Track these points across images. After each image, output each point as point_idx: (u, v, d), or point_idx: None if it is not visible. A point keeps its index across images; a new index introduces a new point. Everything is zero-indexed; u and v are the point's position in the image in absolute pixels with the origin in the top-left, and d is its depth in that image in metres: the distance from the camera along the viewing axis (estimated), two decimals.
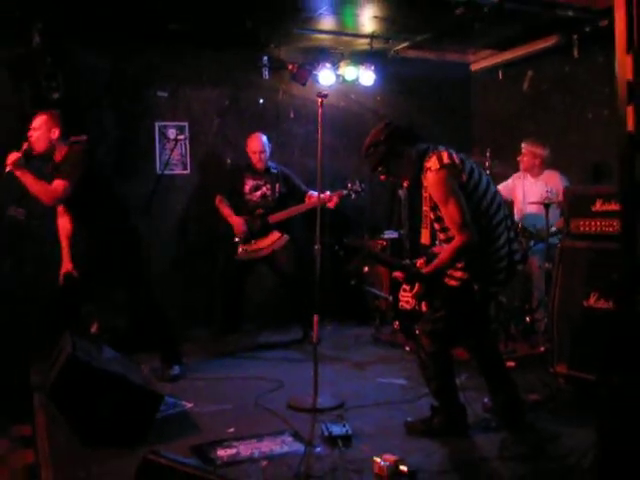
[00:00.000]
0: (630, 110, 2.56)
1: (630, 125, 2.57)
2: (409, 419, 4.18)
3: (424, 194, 3.94)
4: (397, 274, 4.01)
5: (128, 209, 5.23)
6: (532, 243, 5.90)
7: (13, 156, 4.64)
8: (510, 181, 6.46)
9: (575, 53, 6.58)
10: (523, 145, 6.30)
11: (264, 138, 6.32)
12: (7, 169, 4.60)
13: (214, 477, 2.62)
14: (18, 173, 4.62)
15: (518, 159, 6.32)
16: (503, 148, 6.85)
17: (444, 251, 3.84)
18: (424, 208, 3.98)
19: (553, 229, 5.74)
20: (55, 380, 3.96)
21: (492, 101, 7.90)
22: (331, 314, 6.95)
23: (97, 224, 4.97)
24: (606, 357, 3.18)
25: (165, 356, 5.32)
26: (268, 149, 6.32)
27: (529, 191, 6.22)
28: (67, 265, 5.09)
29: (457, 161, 3.83)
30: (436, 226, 3.95)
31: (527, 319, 5.87)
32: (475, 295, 3.85)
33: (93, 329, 5.81)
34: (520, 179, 6.37)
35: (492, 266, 3.87)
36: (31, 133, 4.83)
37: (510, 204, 6.33)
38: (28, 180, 4.64)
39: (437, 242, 4.10)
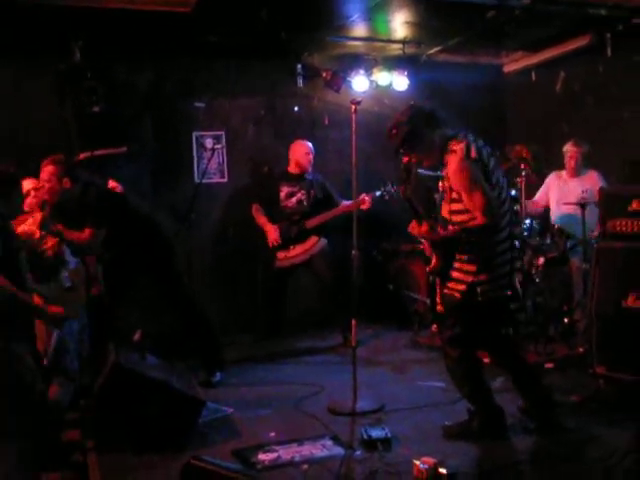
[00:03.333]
0: None
1: None
2: (447, 423, 4.22)
3: (445, 171, 3.94)
4: (421, 229, 3.97)
5: (158, 221, 5.42)
6: (570, 244, 5.88)
7: (37, 218, 4.66)
8: (544, 186, 6.44)
9: (608, 52, 6.52)
10: (569, 146, 6.24)
11: (309, 142, 6.53)
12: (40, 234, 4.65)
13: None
14: (50, 235, 4.67)
15: (565, 160, 6.27)
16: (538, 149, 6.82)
17: (467, 225, 3.85)
18: (445, 184, 3.99)
19: (594, 233, 5.69)
20: (101, 387, 4.08)
21: (526, 103, 7.86)
22: (371, 318, 7.00)
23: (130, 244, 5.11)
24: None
25: (207, 363, 5.40)
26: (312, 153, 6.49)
27: (566, 191, 6.19)
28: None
29: (484, 156, 3.86)
30: (453, 206, 3.94)
31: (566, 320, 5.85)
32: (478, 297, 3.86)
33: (136, 337, 5.92)
34: (555, 180, 6.35)
35: (496, 270, 3.89)
36: (43, 184, 4.81)
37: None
38: (61, 236, 4.72)
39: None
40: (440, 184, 4.12)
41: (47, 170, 4.81)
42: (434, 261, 4.00)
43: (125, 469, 3.81)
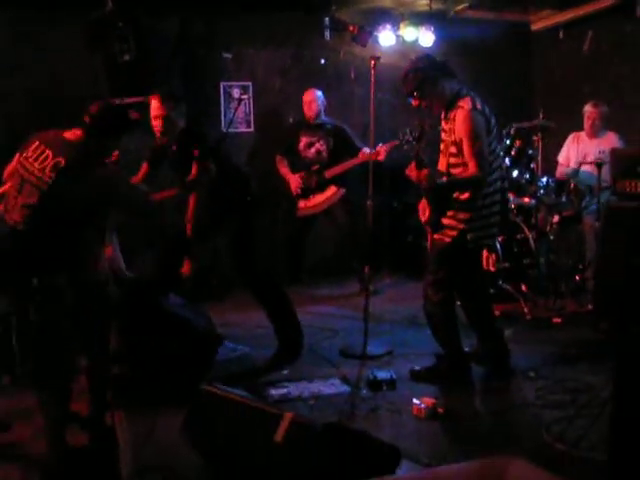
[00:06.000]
0: None
1: None
2: (416, 367, 4.44)
3: (450, 126, 4.15)
4: (420, 173, 4.09)
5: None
6: (585, 203, 5.97)
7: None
8: (564, 147, 6.51)
9: (638, 12, 6.51)
10: (589, 107, 6.25)
11: (317, 91, 6.63)
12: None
13: (263, 405, 2.92)
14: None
15: (585, 121, 6.28)
16: (564, 109, 6.88)
17: (460, 175, 4.10)
18: (445, 139, 4.22)
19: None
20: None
21: (552, 62, 7.87)
22: (390, 268, 7.22)
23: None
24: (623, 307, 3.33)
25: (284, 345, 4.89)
26: (320, 102, 6.59)
27: (584, 151, 6.25)
28: None
29: (486, 111, 4.10)
30: (451, 160, 4.17)
31: (577, 277, 5.99)
32: (468, 244, 4.12)
33: None
34: (574, 140, 6.41)
35: (487, 219, 4.15)
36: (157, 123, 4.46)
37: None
38: None
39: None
40: (442, 136, 4.28)
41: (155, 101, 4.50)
42: (427, 212, 4.21)
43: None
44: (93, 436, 3.61)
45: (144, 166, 4.82)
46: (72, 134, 3.56)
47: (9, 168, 3.73)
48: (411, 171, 4.13)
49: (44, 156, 3.46)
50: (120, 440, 3.46)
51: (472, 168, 3.99)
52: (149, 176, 4.81)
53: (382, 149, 6.22)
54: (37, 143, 3.52)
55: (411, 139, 6.30)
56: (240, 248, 4.78)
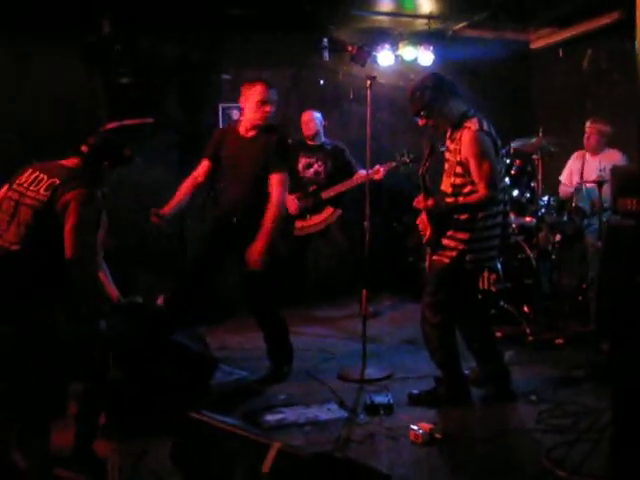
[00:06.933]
0: None
1: None
2: (414, 391, 4.37)
3: (455, 146, 4.10)
4: (427, 202, 4.09)
5: None
6: (586, 222, 5.92)
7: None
8: (567, 166, 6.46)
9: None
10: (588, 124, 6.25)
11: (315, 112, 6.62)
12: None
13: (251, 434, 2.86)
14: None
15: (584, 138, 6.27)
16: (565, 127, 6.84)
17: (469, 199, 4.02)
18: (450, 159, 4.16)
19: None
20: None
21: (553, 80, 7.84)
22: (389, 290, 7.15)
23: None
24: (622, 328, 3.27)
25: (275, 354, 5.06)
26: (319, 122, 6.57)
27: (587, 169, 6.20)
28: None
29: (493, 133, 4.06)
30: (456, 180, 4.09)
31: (580, 297, 5.91)
32: (467, 265, 4.05)
33: (159, 301, 6.12)
34: (578, 159, 6.36)
35: (487, 240, 4.09)
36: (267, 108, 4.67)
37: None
38: None
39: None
40: (447, 155, 4.23)
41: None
42: (429, 232, 4.14)
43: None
44: (81, 468, 3.52)
45: (204, 163, 4.94)
46: (69, 161, 3.56)
47: None
48: (418, 203, 4.14)
49: (39, 179, 3.44)
50: (109, 468, 3.40)
51: (482, 190, 3.92)
52: (212, 173, 4.93)
53: (379, 169, 6.19)
54: (31, 170, 3.50)
55: (408, 161, 6.34)
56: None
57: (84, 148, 3.54)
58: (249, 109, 4.68)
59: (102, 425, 3.74)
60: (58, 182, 3.40)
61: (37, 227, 3.38)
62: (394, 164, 6.37)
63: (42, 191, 3.39)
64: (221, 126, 7.03)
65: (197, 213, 6.43)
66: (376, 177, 6.18)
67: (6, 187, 3.57)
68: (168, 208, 4.74)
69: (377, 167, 6.19)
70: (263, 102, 4.61)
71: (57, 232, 3.37)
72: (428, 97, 4.10)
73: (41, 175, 3.45)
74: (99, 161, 3.55)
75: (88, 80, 6.26)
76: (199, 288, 4.97)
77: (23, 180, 3.48)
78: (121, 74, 6.16)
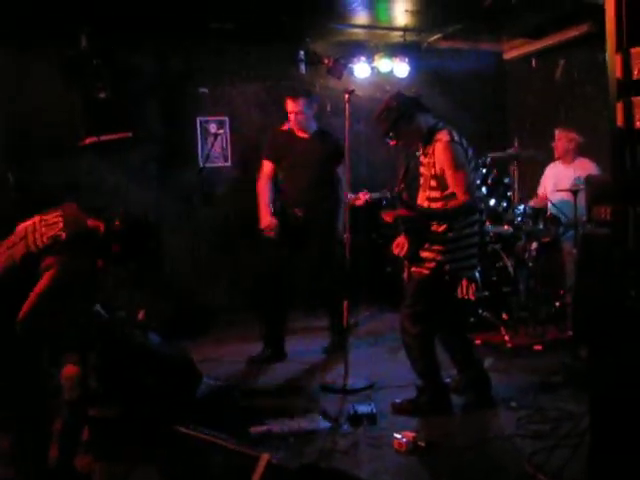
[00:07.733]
0: (619, 106, 2.73)
1: (620, 120, 2.73)
2: (396, 400, 4.41)
3: (428, 160, 4.18)
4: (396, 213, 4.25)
5: None
6: (562, 230, 6.01)
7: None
8: (543, 178, 6.57)
9: None
10: (556, 132, 6.38)
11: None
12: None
13: (239, 447, 2.88)
14: None
15: (552, 145, 6.39)
16: (539, 136, 6.95)
17: (448, 206, 4.09)
18: (425, 173, 4.23)
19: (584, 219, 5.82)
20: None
21: (526, 90, 7.98)
22: (369, 300, 7.18)
23: None
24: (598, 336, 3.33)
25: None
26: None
27: (560, 178, 6.30)
28: None
29: (464, 143, 4.14)
30: (431, 194, 4.17)
31: (557, 304, 6.00)
32: (445, 275, 4.12)
33: (140, 316, 6.10)
34: (551, 169, 6.47)
35: (465, 250, 4.16)
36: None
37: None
38: None
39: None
40: (421, 170, 4.30)
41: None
42: (407, 246, 4.20)
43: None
44: None
45: (266, 164, 5.51)
46: (94, 222, 3.45)
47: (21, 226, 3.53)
48: (387, 216, 4.23)
49: (53, 223, 3.33)
50: None
51: (460, 196, 4.01)
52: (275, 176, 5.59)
53: (363, 196, 6.18)
54: (60, 211, 3.40)
55: (389, 196, 6.38)
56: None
57: (117, 223, 3.42)
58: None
59: (85, 441, 3.73)
60: (63, 238, 3.29)
61: (19, 268, 3.30)
62: (375, 196, 6.35)
63: (45, 239, 3.30)
64: (199, 138, 7.07)
65: (172, 227, 6.49)
66: (358, 203, 6.19)
67: (37, 217, 3.45)
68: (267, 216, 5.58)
69: (359, 194, 6.16)
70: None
71: (27, 284, 3.24)
72: (393, 117, 4.17)
73: (61, 223, 3.34)
74: (120, 241, 3.44)
75: (66, 94, 6.23)
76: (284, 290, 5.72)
77: (47, 217, 3.39)
78: (99, 88, 6.15)
